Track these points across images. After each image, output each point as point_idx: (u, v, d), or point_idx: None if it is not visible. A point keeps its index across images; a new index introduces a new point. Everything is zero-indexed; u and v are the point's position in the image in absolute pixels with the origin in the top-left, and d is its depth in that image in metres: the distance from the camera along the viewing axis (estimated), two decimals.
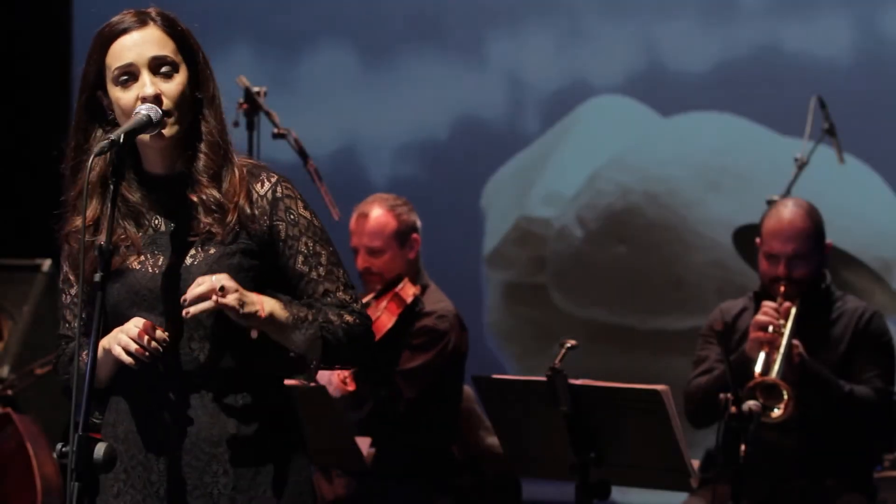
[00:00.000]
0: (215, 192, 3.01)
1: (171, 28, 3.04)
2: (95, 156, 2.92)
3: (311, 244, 3.06)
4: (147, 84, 2.99)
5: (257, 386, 3.04)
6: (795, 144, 6.28)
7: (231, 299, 2.90)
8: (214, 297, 2.90)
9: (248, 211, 3.02)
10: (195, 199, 3.01)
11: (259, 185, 3.06)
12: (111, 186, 2.94)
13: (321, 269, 3.06)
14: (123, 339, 2.94)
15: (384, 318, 5.19)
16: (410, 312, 5.24)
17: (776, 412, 4.80)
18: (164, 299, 3.01)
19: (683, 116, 7.59)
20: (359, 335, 3.07)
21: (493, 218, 7.82)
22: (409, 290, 5.25)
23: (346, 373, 5.05)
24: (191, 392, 3.01)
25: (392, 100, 7.91)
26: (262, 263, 3.04)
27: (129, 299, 3.02)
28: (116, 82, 3.01)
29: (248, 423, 3.02)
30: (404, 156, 7.94)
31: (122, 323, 3.00)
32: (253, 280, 3.01)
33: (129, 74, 3.00)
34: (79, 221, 3.03)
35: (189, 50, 3.05)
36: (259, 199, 3.05)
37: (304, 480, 3.09)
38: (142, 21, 3.03)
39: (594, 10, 7.71)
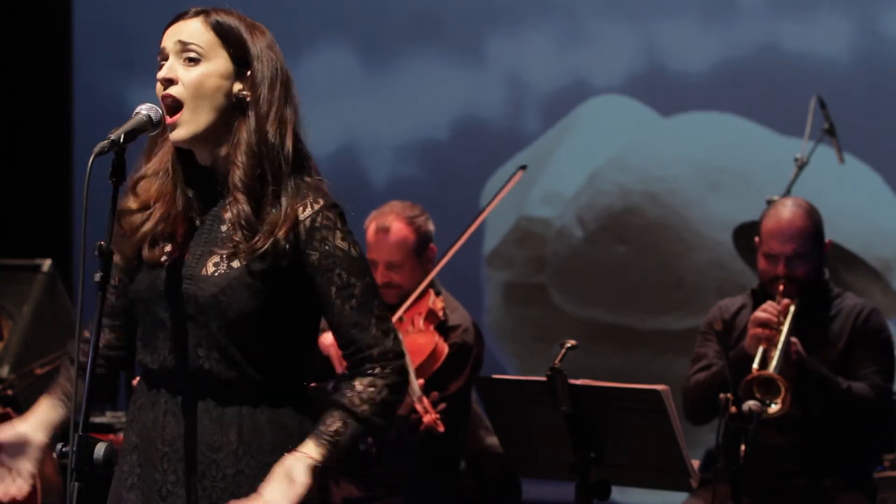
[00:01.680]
0: (247, 209, 2.98)
1: (219, 26, 3.03)
2: (96, 155, 2.92)
3: (344, 276, 3.01)
4: (165, 67, 3.02)
5: (267, 394, 3.04)
6: (795, 144, 6.28)
7: None
8: None
9: (282, 245, 2.98)
10: (226, 214, 3.01)
11: (302, 208, 3.01)
12: (172, 169, 3.02)
13: (353, 302, 3.00)
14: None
15: (440, 346, 5.14)
16: (440, 326, 5.25)
17: (773, 407, 4.80)
18: (184, 302, 3.01)
19: (683, 116, 7.59)
20: (396, 401, 3.03)
21: (493, 218, 7.82)
22: (438, 305, 5.25)
23: (436, 415, 5.01)
24: (196, 397, 3.02)
25: (392, 100, 7.91)
26: (284, 288, 3.01)
27: (150, 290, 3.04)
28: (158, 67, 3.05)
29: (252, 431, 3.02)
30: (404, 156, 7.94)
31: (145, 311, 3.03)
32: (272, 301, 3.00)
33: (164, 59, 3.03)
34: (131, 202, 3.05)
35: (240, 49, 3.04)
36: (298, 223, 3.01)
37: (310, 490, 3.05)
38: (195, 13, 3.05)
39: (594, 10, 7.71)
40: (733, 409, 4.62)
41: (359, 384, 3.01)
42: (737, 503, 4.63)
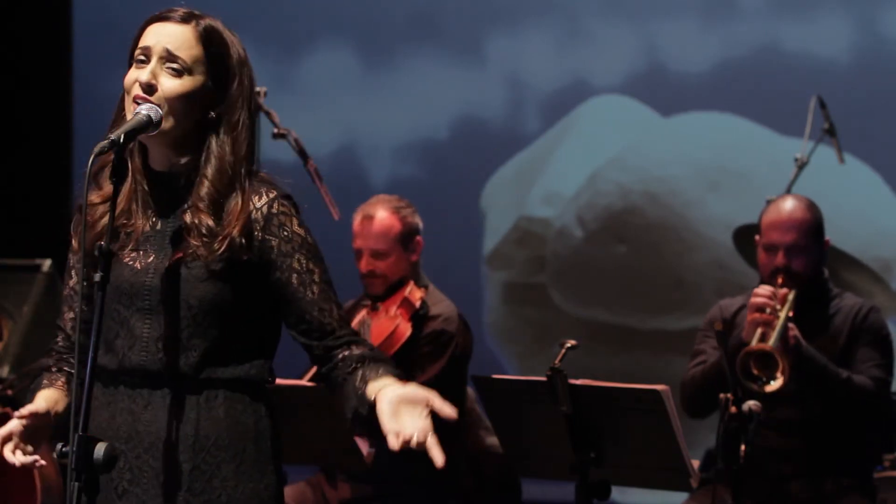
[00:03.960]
0: (210, 221, 2.99)
1: (210, 39, 3.02)
2: (96, 155, 2.92)
3: (304, 261, 3.04)
4: (147, 71, 2.99)
5: (225, 388, 3.03)
6: (795, 144, 6.28)
7: None
8: None
9: (238, 241, 3.00)
10: (188, 221, 3.01)
11: (257, 198, 3.04)
12: (129, 178, 2.99)
13: (315, 288, 3.04)
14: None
15: (402, 327, 5.19)
16: (417, 316, 5.26)
17: (773, 383, 4.79)
18: (144, 296, 3.01)
19: (683, 116, 7.59)
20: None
21: (493, 218, 7.82)
22: (416, 294, 5.26)
23: None
24: (153, 390, 3.01)
25: (392, 100, 7.91)
26: (247, 276, 3.03)
27: (112, 291, 3.01)
28: (135, 59, 3.02)
29: (209, 425, 3.01)
30: (404, 156, 7.94)
31: (105, 313, 2.99)
32: (235, 290, 3.01)
33: (145, 56, 3.01)
34: (95, 196, 3.04)
35: (221, 68, 3.03)
36: (255, 211, 3.03)
37: (266, 488, 3.06)
38: (184, 19, 3.03)
39: (594, 10, 7.71)
40: (733, 409, 4.62)
41: (352, 349, 3.05)
42: (736, 503, 4.63)
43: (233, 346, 3.03)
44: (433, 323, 5.27)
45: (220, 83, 3.03)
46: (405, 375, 5.18)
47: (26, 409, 3.00)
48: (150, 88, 2.98)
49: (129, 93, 3.01)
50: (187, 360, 3.00)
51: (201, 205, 3.00)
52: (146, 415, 3.01)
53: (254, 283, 3.03)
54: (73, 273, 3.14)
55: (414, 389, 2.93)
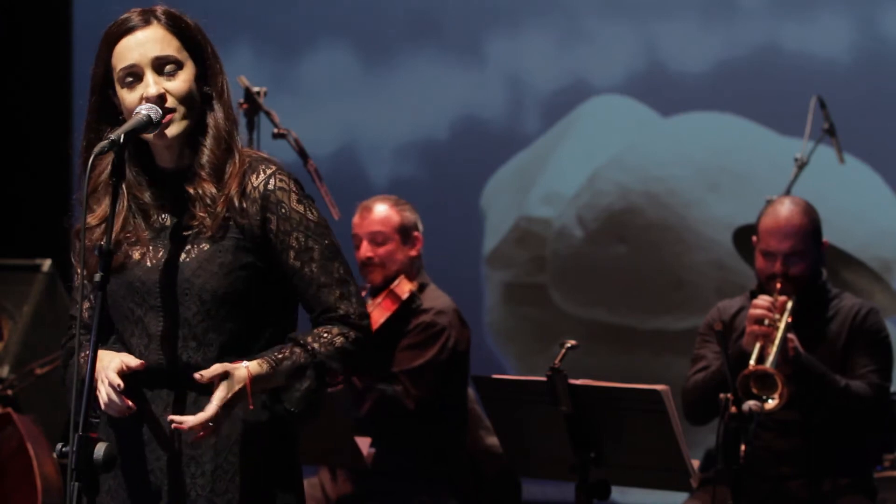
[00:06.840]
0: (212, 187, 3.01)
1: (176, 25, 3.05)
2: (96, 155, 2.93)
3: (302, 238, 3.04)
4: (150, 84, 3.00)
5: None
6: (795, 144, 6.28)
7: (219, 419, 2.93)
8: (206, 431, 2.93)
9: (237, 203, 3.01)
10: (192, 191, 3.02)
11: (255, 176, 3.05)
12: (119, 185, 2.97)
13: (314, 265, 3.04)
14: (103, 391, 2.94)
15: (376, 314, 5.20)
16: (406, 309, 5.25)
17: (771, 402, 4.79)
18: (157, 293, 3.02)
19: (683, 116, 7.59)
20: (353, 352, 3.05)
21: (493, 218, 7.82)
22: (404, 287, 5.26)
23: None
24: (174, 391, 3.02)
25: (392, 100, 7.91)
26: (257, 260, 3.03)
27: (124, 289, 3.03)
28: (122, 84, 3.03)
29: (229, 425, 3.00)
30: (404, 156, 7.94)
31: (119, 312, 3.02)
32: (247, 279, 3.02)
33: (134, 76, 3.02)
34: (90, 219, 3.05)
35: (195, 45, 3.06)
36: (252, 190, 3.04)
37: (289, 485, 3.07)
38: (146, 20, 3.04)
39: (594, 10, 7.71)
40: (733, 408, 4.62)
41: (318, 329, 3.05)
42: (736, 503, 4.63)
43: (248, 340, 3.03)
44: (424, 315, 5.27)
45: (199, 59, 3.06)
46: (387, 361, 5.20)
47: (134, 363, 2.97)
48: (161, 100, 2.99)
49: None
50: (206, 356, 3.00)
51: (203, 172, 3.02)
52: (167, 415, 3.00)
53: (261, 266, 3.03)
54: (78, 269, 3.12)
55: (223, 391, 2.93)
